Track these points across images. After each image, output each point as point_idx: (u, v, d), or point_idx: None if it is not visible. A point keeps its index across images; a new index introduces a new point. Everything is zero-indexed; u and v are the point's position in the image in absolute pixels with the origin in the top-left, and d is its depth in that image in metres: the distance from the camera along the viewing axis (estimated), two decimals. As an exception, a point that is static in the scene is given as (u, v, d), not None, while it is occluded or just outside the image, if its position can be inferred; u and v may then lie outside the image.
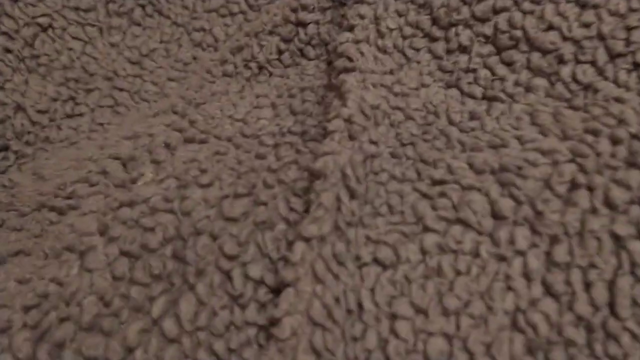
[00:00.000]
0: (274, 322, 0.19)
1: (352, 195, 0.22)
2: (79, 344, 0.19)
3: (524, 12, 0.26)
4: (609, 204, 0.21)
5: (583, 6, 0.25)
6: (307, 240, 0.20)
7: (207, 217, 0.22)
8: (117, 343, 0.19)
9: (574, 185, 0.21)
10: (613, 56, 0.24)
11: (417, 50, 0.27)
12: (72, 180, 0.24)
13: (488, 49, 0.26)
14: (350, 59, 0.25)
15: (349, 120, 0.23)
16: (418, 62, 0.27)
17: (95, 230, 0.22)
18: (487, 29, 0.27)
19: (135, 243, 0.21)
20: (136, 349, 0.19)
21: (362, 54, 0.26)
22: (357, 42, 0.26)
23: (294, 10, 0.30)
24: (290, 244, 0.21)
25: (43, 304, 0.20)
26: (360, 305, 0.20)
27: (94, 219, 0.22)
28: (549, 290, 0.20)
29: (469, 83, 0.26)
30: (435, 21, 0.28)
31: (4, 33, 0.32)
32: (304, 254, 0.20)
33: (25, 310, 0.20)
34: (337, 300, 0.20)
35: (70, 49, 0.33)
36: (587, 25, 0.25)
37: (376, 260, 0.21)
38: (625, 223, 0.20)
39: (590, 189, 0.21)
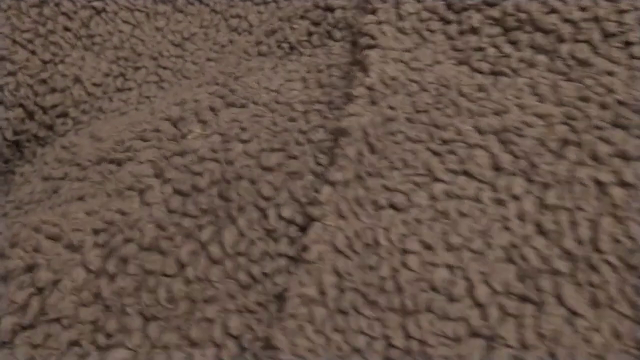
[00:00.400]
0: (304, 248, 0.23)
1: (372, 150, 0.25)
2: (141, 260, 0.23)
3: (529, -2, 0.29)
4: (595, 157, 0.24)
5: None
6: (332, 184, 0.24)
7: (247, 165, 0.26)
8: (172, 261, 0.23)
9: (565, 142, 0.24)
10: (607, 36, 0.28)
11: (433, 32, 0.31)
12: (129, 137, 0.28)
13: (496, 30, 0.30)
14: (373, 37, 0.29)
15: (371, 88, 0.27)
16: (433, 42, 0.30)
17: (151, 174, 0.26)
18: (496, 13, 0.30)
19: (186, 184, 0.25)
20: (187, 266, 0.23)
21: (383, 33, 0.29)
22: (379, 23, 0.30)
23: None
24: (317, 191, 0.25)
25: (110, 229, 0.24)
26: (376, 241, 0.24)
27: (150, 165, 0.26)
28: (540, 229, 0.23)
29: (478, 60, 0.29)
30: (449, 6, 0.31)
31: (64, 13, 0.36)
32: (330, 195, 0.24)
33: (95, 233, 0.24)
34: (356, 234, 0.23)
35: (121, 31, 0.37)
36: (584, 9, 0.28)
37: (391, 205, 0.24)
38: (608, 172, 0.23)
39: (579, 145, 0.24)
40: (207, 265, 0.23)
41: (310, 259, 0.22)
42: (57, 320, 0.23)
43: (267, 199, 0.25)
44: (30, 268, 0.24)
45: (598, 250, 0.22)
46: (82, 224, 0.24)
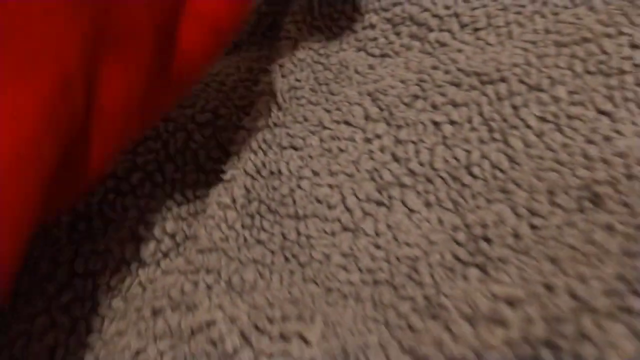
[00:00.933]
0: (221, 171, 0.32)
1: (279, 108, 0.34)
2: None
3: (411, 4, 0.38)
4: (434, 105, 0.33)
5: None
6: (247, 130, 0.33)
7: (184, 122, 0.35)
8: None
9: (415, 97, 0.33)
10: (462, 26, 0.37)
11: (341, 28, 0.40)
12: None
13: (387, 26, 0.39)
14: (289, 32, 0.38)
15: (281, 66, 0.36)
16: (340, 35, 0.40)
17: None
18: (388, 14, 0.39)
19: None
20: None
21: (299, 29, 0.39)
22: (296, 22, 0.39)
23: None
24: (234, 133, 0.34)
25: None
26: (279, 170, 0.33)
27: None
28: (394, 157, 0.32)
29: (372, 47, 0.38)
30: (355, 10, 0.41)
31: None
32: (243, 137, 0.33)
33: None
34: (263, 164, 0.32)
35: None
36: (447, 7, 0.38)
37: (292, 146, 0.33)
38: (442, 115, 0.32)
39: (424, 98, 0.33)
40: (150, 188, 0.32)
41: (226, 178, 0.31)
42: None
43: (199, 143, 0.34)
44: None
45: (433, 168, 0.31)
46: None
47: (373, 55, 0.38)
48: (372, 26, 0.39)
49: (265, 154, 0.33)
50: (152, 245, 0.31)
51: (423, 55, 0.37)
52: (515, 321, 0.23)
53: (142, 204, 0.32)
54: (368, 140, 0.33)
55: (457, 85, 0.33)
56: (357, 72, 0.37)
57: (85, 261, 0.31)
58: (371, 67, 0.37)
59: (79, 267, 0.31)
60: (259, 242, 0.30)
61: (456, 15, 0.37)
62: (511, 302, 0.24)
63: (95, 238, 0.31)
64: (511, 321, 0.23)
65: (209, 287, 0.29)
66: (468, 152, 0.31)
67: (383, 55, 0.38)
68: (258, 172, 0.32)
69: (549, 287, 0.24)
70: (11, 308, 0.29)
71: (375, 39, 0.39)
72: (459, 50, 0.35)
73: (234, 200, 0.31)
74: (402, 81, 0.34)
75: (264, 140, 0.33)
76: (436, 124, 0.32)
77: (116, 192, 0.33)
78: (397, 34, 0.38)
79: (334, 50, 0.39)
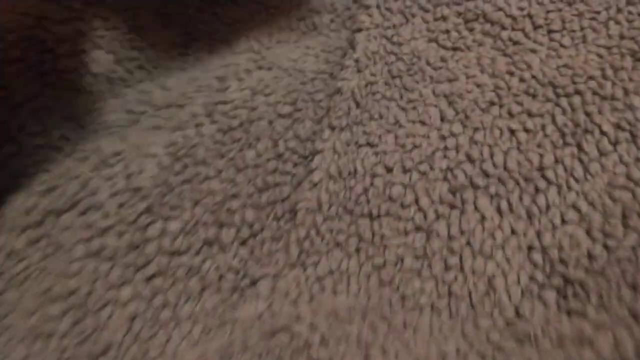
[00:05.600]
0: (310, 171, 0.29)
1: (357, 105, 0.32)
2: (195, 167, 0.30)
3: (484, 1, 0.35)
4: (510, 112, 0.30)
5: (521, -1, 0.34)
6: (332, 128, 0.31)
7: (266, 111, 0.32)
8: (213, 169, 0.30)
9: (491, 103, 0.30)
10: (535, 27, 0.33)
11: (414, 16, 0.37)
12: (188, 90, 0.35)
13: (459, 20, 0.35)
14: (361, 22, 0.35)
15: (357, 60, 0.33)
16: (412, 23, 0.36)
17: (204, 113, 0.32)
18: (460, 9, 0.36)
19: (226, 124, 0.32)
20: (222, 171, 0.30)
21: (370, 16, 0.35)
22: (370, 14, 0.36)
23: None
24: (314, 133, 0.32)
25: (175, 146, 0.31)
26: (355, 170, 0.30)
27: (202, 107, 0.33)
28: (468, 157, 0.29)
29: (443, 39, 0.35)
30: (429, 0, 0.37)
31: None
32: (329, 135, 0.30)
33: (165, 147, 0.31)
34: (344, 164, 0.30)
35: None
36: (521, 9, 0.34)
37: (368, 143, 0.31)
38: (517, 123, 0.29)
39: (501, 105, 0.30)
40: (234, 172, 0.30)
41: (314, 180, 0.29)
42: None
43: (279, 134, 0.31)
44: (125, 167, 0.31)
45: (507, 170, 0.28)
46: (158, 143, 0.31)
47: (445, 48, 0.35)
48: (444, 18, 0.36)
49: (345, 153, 0.30)
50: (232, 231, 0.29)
51: (495, 53, 0.33)
52: (604, 345, 0.21)
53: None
54: (443, 138, 0.30)
55: (533, 95, 0.30)
56: (429, 64, 0.34)
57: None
58: (443, 59, 0.34)
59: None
60: (338, 244, 0.28)
61: (530, 16, 0.34)
62: (597, 327, 0.22)
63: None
64: (600, 345, 0.21)
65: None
66: (541, 155, 0.28)
67: (455, 49, 0.34)
68: (339, 173, 0.30)
69: (633, 314, 0.22)
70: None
71: (447, 31, 0.35)
72: (533, 51, 0.32)
73: (320, 206, 0.29)
74: (478, 85, 0.31)
75: (346, 141, 0.30)
76: (512, 131, 0.29)
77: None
78: (470, 29, 0.35)
79: (406, 39, 0.35)
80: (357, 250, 0.28)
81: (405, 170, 0.30)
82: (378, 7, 0.36)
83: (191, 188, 0.29)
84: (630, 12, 0.32)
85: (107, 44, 0.37)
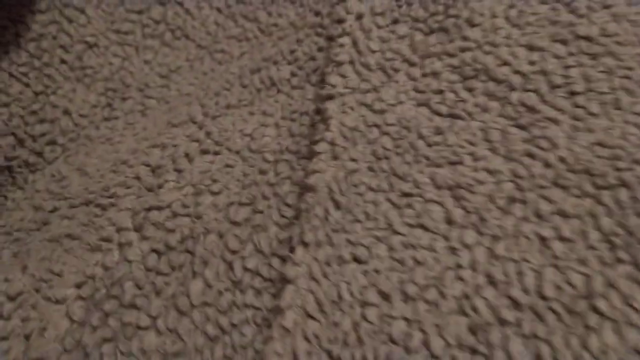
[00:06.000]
0: (278, 311, 0.21)
1: (337, 206, 0.24)
2: (121, 315, 0.22)
3: (485, 52, 0.27)
4: (537, 214, 0.22)
5: (531, 49, 0.27)
6: (305, 245, 0.22)
7: (215, 219, 0.24)
8: (145, 315, 0.22)
9: (511, 200, 0.23)
10: (553, 87, 0.26)
11: (396, 71, 0.29)
12: (113, 184, 0.26)
13: (455, 77, 0.28)
14: (333, 86, 0.27)
15: (332, 143, 0.25)
16: (396, 82, 0.28)
17: (131, 227, 0.24)
18: (454, 61, 0.28)
19: (161, 242, 0.23)
20: (158, 318, 0.22)
21: (343, 76, 0.27)
22: (339, 64, 0.28)
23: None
24: (281, 242, 0.24)
25: (92, 283, 0.22)
26: (339, 296, 0.22)
27: (129, 215, 0.24)
28: (489, 279, 0.22)
29: (437, 103, 0.27)
30: (413, 50, 0.29)
31: (62, 46, 0.33)
32: (303, 256, 0.22)
33: (77, 287, 0.22)
34: (325, 294, 0.22)
35: (111, 64, 0.35)
36: (532, 62, 0.27)
37: (354, 258, 0.23)
38: (549, 228, 0.22)
39: (524, 202, 0.23)
40: (176, 317, 0.22)
41: (287, 325, 0.21)
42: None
43: (233, 252, 0.23)
44: (24, 319, 0.22)
45: (543, 297, 0.21)
46: (67, 279, 0.22)
47: (439, 114, 0.27)
48: (435, 74, 0.28)
49: (325, 276, 0.22)
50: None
51: (506, 122, 0.26)
52: None
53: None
54: (453, 251, 0.23)
55: (564, 187, 0.23)
56: (421, 137, 0.26)
57: None
58: (439, 131, 0.26)
59: None
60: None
61: (544, 72, 0.26)
62: None
63: None
64: None
65: None
66: (587, 276, 0.21)
67: (452, 116, 0.27)
68: (320, 306, 0.22)
69: None
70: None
71: (440, 91, 0.28)
72: (554, 121, 0.25)
73: (296, 358, 0.21)
74: (490, 172, 0.24)
75: (325, 259, 0.23)
76: (543, 239, 0.22)
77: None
78: (470, 89, 0.27)
79: (390, 104, 0.28)
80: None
81: (407, 298, 0.22)
82: (352, 62, 0.28)
83: (115, 350, 0.21)
84: (672, 67, 0.25)
85: (3, 123, 0.28)
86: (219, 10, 0.37)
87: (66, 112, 0.32)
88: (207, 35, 0.36)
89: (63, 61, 0.33)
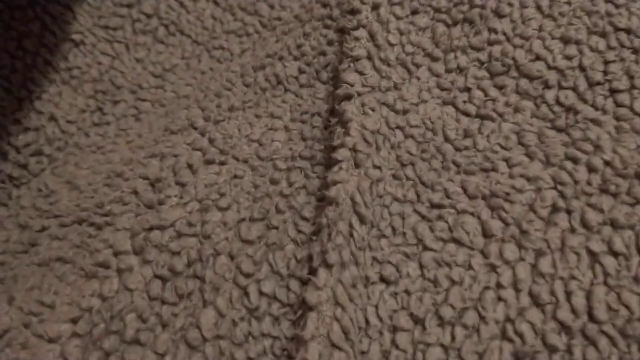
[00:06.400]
0: (301, 342, 0.19)
1: (362, 221, 0.22)
2: (123, 353, 0.19)
3: (515, 46, 0.25)
4: (585, 225, 0.21)
5: (567, 42, 0.25)
6: (329, 266, 0.20)
7: (225, 239, 0.22)
8: (151, 351, 0.19)
9: (555, 209, 0.21)
10: (592, 84, 0.24)
11: (418, 66, 0.27)
12: (108, 200, 0.24)
13: (482, 73, 0.26)
14: (350, 85, 0.25)
15: (353, 149, 0.23)
16: (418, 79, 0.26)
17: (130, 250, 0.22)
18: (482, 56, 0.26)
19: (166, 267, 0.21)
20: (166, 356, 0.20)
21: (361, 73, 0.25)
22: (357, 60, 0.26)
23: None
24: (299, 261, 0.22)
25: (89, 317, 0.20)
26: (367, 321, 0.20)
27: (128, 237, 0.22)
28: (535, 300, 0.20)
29: (464, 102, 0.26)
30: (436, 44, 0.27)
31: (45, 46, 0.31)
32: (326, 279, 0.20)
33: (73, 322, 0.20)
34: (351, 321, 0.20)
35: (100, 64, 0.33)
36: (569, 57, 0.25)
37: (382, 279, 0.21)
38: (599, 241, 0.20)
39: (569, 212, 0.21)
40: (186, 354, 0.20)
41: (311, 357, 0.19)
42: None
43: (247, 275, 0.21)
44: None
45: (594, 320, 0.19)
46: (60, 312, 0.20)
47: (467, 114, 0.25)
48: (461, 70, 0.26)
49: (351, 300, 0.20)
50: None
51: (542, 124, 0.24)
52: None
53: None
54: (493, 268, 0.21)
55: (614, 194, 0.21)
56: (448, 140, 0.24)
57: None
58: (468, 133, 0.24)
59: None
60: None
61: (582, 68, 0.24)
62: None
63: None
64: None
65: None
66: (642, 298, 0.19)
67: (482, 117, 0.25)
68: (346, 334, 0.20)
69: None
70: None
71: (467, 89, 0.26)
72: (597, 123, 0.23)
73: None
74: (529, 179, 0.22)
75: (351, 282, 0.20)
76: (593, 254, 0.20)
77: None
78: (500, 87, 0.25)
79: (412, 102, 0.26)
80: None
81: (443, 323, 0.20)
82: (370, 58, 0.26)
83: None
84: None
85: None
86: (216, 3, 0.35)
87: (52, 119, 0.30)
88: (204, 31, 0.34)
89: (47, 62, 0.31)
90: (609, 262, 0.20)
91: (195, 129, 0.27)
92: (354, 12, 0.27)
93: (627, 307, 0.19)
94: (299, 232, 0.23)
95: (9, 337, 0.20)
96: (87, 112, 0.31)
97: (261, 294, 0.21)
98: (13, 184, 0.28)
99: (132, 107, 0.32)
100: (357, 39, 0.26)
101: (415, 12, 0.27)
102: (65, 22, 0.32)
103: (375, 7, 0.27)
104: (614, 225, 0.21)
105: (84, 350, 0.19)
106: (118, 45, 0.33)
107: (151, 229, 0.22)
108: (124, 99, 0.32)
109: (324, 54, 0.29)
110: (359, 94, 0.25)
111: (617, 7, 0.25)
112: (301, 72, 0.29)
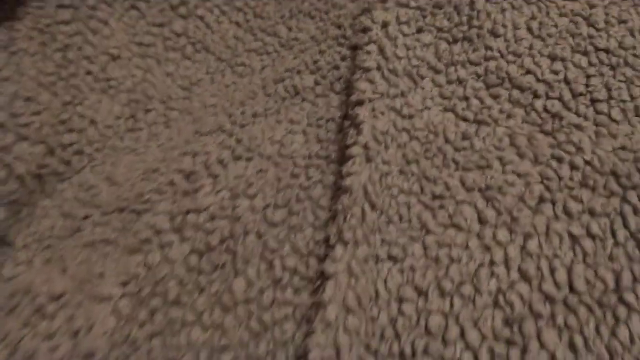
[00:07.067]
0: (321, 305, 0.23)
1: (373, 207, 0.26)
2: (167, 311, 0.23)
3: (508, 62, 0.30)
4: (567, 213, 0.25)
5: (554, 59, 0.29)
6: (345, 243, 0.24)
7: (253, 221, 0.26)
8: (191, 311, 0.23)
9: (541, 200, 0.25)
10: (575, 95, 0.28)
11: (422, 78, 0.31)
12: (147, 190, 0.28)
13: (480, 84, 0.30)
14: (362, 92, 0.29)
15: (365, 147, 0.27)
16: (423, 89, 0.30)
17: (169, 229, 0.26)
18: (479, 70, 0.30)
19: (202, 243, 0.25)
20: (204, 314, 0.23)
21: (372, 82, 0.30)
22: (368, 71, 0.30)
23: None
24: (317, 243, 0.25)
25: (136, 282, 0.24)
26: (377, 294, 0.24)
27: (167, 219, 0.26)
28: (523, 275, 0.24)
29: (463, 109, 0.30)
30: (439, 59, 0.31)
31: (87, 58, 0.35)
32: (342, 254, 0.24)
33: (123, 285, 0.24)
34: (364, 290, 0.24)
35: (134, 76, 0.37)
36: (555, 72, 0.29)
37: (390, 257, 0.25)
38: (579, 227, 0.24)
39: (553, 202, 0.25)
40: (221, 314, 0.23)
41: (329, 319, 0.23)
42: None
43: (273, 251, 0.25)
44: (70, 319, 0.24)
45: (574, 292, 0.23)
46: (109, 279, 0.24)
47: (465, 120, 0.29)
48: (460, 82, 0.30)
49: (364, 273, 0.24)
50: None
51: (531, 129, 0.28)
52: None
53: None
54: (487, 249, 0.24)
55: (592, 188, 0.25)
56: (448, 141, 0.28)
57: None
58: (466, 136, 0.28)
59: None
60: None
61: (567, 81, 0.29)
62: None
63: None
64: None
65: None
66: (617, 273, 0.23)
67: (478, 122, 0.29)
68: (359, 302, 0.23)
69: None
70: None
71: (466, 98, 0.30)
72: (579, 128, 0.27)
73: (338, 352, 0.22)
74: (520, 175, 0.26)
75: (363, 258, 0.24)
76: (574, 237, 0.24)
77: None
78: (495, 97, 0.29)
79: (417, 109, 0.30)
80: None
81: (443, 294, 0.24)
82: (379, 69, 0.30)
83: (164, 344, 0.22)
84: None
85: (35, 132, 0.30)
86: (238, 24, 0.40)
87: (93, 123, 0.34)
88: (228, 49, 0.39)
89: (89, 72, 0.35)
90: (587, 243, 0.24)
91: (224, 131, 0.31)
92: (365, 30, 0.32)
93: (603, 281, 0.23)
94: (317, 218, 0.26)
95: (64, 300, 0.24)
96: (122, 119, 0.35)
97: (284, 268, 0.25)
98: (58, 178, 0.32)
99: (162, 115, 0.36)
100: (368, 53, 0.30)
101: (420, 31, 0.31)
102: (104, 37, 0.36)
103: (385, 26, 0.31)
104: (592, 213, 0.24)
105: (133, 308, 0.23)
106: (150, 60, 0.38)
107: (188, 212, 0.26)
108: (154, 108, 0.36)
109: (337, 68, 0.33)
110: (370, 100, 0.29)
111: (598, 30, 0.30)
112: (317, 83, 0.33)
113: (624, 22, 0.30)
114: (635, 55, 0.29)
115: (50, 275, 0.25)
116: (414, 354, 0.23)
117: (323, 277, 0.24)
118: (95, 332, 0.22)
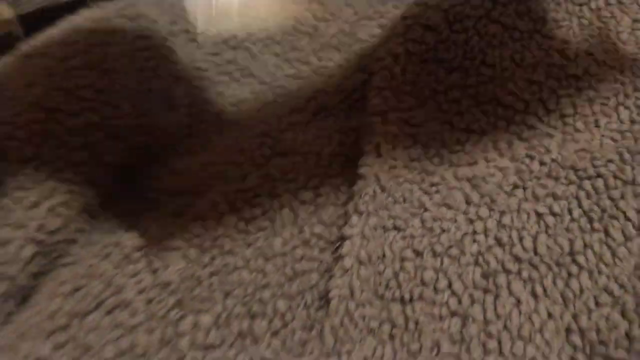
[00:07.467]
0: (340, 257, 0.30)
1: (382, 189, 0.33)
2: (223, 257, 0.31)
3: (495, 86, 0.38)
4: (535, 196, 0.32)
5: (531, 83, 0.37)
6: (360, 213, 0.32)
7: (288, 199, 0.34)
8: (241, 257, 0.31)
9: (515, 186, 0.33)
10: (548, 111, 0.36)
11: (426, 97, 0.39)
12: (204, 176, 0.36)
13: (471, 102, 0.38)
14: (377, 106, 0.37)
15: (377, 145, 0.35)
16: (424, 102, 0.38)
17: (224, 201, 0.34)
18: (472, 92, 0.38)
19: (248, 213, 0.33)
20: (250, 261, 0.31)
21: (386, 100, 0.38)
22: (383, 95, 0.38)
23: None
24: (337, 217, 0.33)
25: (200, 238, 0.32)
26: (384, 254, 0.32)
27: (223, 195, 0.34)
28: (498, 241, 0.31)
29: (457, 121, 0.37)
30: (439, 82, 0.39)
31: (158, 77, 0.44)
32: (357, 221, 0.32)
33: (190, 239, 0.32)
34: (373, 249, 0.31)
35: (191, 95, 0.46)
36: (533, 93, 0.37)
37: (394, 227, 0.32)
38: (543, 206, 0.31)
39: (524, 188, 0.32)
40: (263, 262, 0.31)
41: (346, 266, 0.30)
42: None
43: (303, 220, 0.33)
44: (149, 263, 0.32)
45: (537, 254, 0.30)
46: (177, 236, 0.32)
47: (458, 129, 0.37)
48: (456, 101, 0.38)
49: (374, 238, 0.32)
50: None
51: (511, 137, 0.36)
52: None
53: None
54: (470, 221, 0.32)
55: (555, 178, 0.32)
56: (444, 146, 0.36)
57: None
58: (459, 142, 0.36)
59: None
60: (371, 331, 0.29)
61: (542, 100, 0.36)
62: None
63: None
64: None
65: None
66: (571, 240, 0.30)
67: (468, 131, 0.37)
68: (369, 258, 0.31)
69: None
70: None
71: (460, 113, 0.38)
72: (549, 135, 0.35)
73: (352, 292, 0.30)
74: (499, 169, 0.34)
75: (373, 226, 0.32)
76: (539, 214, 0.31)
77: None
78: (483, 112, 0.37)
79: (421, 120, 0.37)
80: (392, 336, 0.29)
81: (435, 255, 0.31)
82: (390, 88, 0.38)
83: (220, 280, 0.30)
84: (637, 98, 0.35)
85: (119, 133, 0.39)
86: (276, 54, 0.48)
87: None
88: (268, 75, 0.47)
89: (159, 89, 0.44)
90: (549, 219, 0.31)
91: (266, 135, 0.39)
92: (378, 59, 0.40)
93: (560, 247, 0.30)
94: (337, 198, 0.34)
95: (144, 250, 0.32)
96: (183, 127, 0.44)
97: (312, 233, 0.33)
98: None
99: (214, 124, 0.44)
100: (381, 76, 0.39)
101: (424, 61, 0.40)
102: (171, 62, 0.45)
103: (395, 56, 0.40)
104: (554, 197, 0.32)
105: (198, 255, 0.31)
106: (206, 81, 0.46)
107: (237, 191, 0.34)
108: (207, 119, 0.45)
109: (357, 90, 0.42)
110: (384, 112, 0.37)
111: (568, 59, 0.38)
112: (341, 102, 0.42)
113: (591, 54, 0.38)
114: (598, 81, 0.37)
115: (132, 236, 0.33)
116: (411, 299, 0.30)
117: (342, 238, 0.32)
118: (170, 270, 0.30)
